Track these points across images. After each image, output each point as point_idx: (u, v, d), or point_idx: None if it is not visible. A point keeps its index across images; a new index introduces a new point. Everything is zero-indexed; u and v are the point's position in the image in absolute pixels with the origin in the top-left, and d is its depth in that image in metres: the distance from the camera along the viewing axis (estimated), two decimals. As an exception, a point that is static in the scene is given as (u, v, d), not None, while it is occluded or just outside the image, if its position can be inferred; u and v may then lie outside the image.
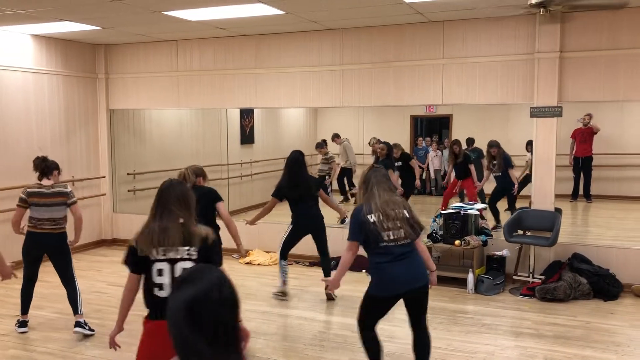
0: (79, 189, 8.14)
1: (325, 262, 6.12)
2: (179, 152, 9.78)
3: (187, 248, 2.95)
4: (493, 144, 8.42)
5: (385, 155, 8.65)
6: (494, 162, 8.39)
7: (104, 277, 7.03)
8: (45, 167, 5.05)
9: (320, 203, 6.12)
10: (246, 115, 11.02)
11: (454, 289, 6.34)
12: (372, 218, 3.66)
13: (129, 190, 9.04)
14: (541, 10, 5.28)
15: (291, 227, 6.06)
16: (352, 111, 11.09)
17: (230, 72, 7.95)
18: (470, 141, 10.11)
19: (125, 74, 8.61)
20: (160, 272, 2.94)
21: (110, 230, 8.97)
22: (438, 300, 5.96)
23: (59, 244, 5.08)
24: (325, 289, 5.80)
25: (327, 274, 6.00)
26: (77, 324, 5.07)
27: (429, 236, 6.74)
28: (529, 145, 8.87)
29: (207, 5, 5.90)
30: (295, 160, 5.97)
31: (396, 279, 3.65)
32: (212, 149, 10.01)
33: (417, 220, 3.80)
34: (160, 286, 2.96)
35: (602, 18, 6.11)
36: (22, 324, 5.18)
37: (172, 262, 2.94)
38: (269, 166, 11.17)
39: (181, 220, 2.99)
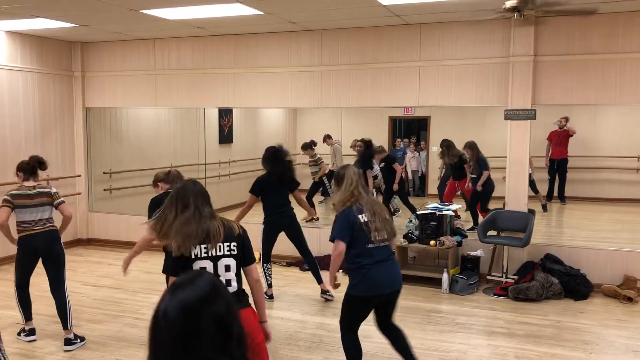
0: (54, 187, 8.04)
1: (312, 265, 6.10)
2: (156, 151, 9.72)
3: (227, 244, 2.94)
4: (466, 145, 8.32)
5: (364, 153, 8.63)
6: (471, 163, 8.41)
7: (78, 277, 6.96)
8: (30, 167, 4.87)
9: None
10: (225, 114, 11.00)
11: (428, 288, 6.41)
12: (363, 218, 3.65)
13: (105, 190, 8.96)
14: (515, 14, 5.38)
15: (264, 227, 6.05)
16: (331, 112, 11.12)
17: (208, 71, 7.93)
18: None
19: (102, 72, 8.53)
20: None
21: (85, 230, 8.88)
22: (412, 300, 6.04)
23: (52, 244, 4.86)
24: (322, 294, 5.99)
25: (319, 279, 6.04)
26: (68, 342, 4.83)
27: (405, 236, 6.82)
28: None
29: (185, 5, 5.89)
30: (274, 155, 5.92)
31: (380, 281, 3.68)
32: (190, 148, 9.98)
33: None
34: None
35: (575, 23, 6.23)
36: (31, 331, 4.95)
37: (215, 259, 2.92)
38: (248, 166, 11.15)
39: (212, 217, 2.98)
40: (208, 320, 1.38)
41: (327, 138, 10.72)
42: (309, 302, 6.03)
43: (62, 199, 4.97)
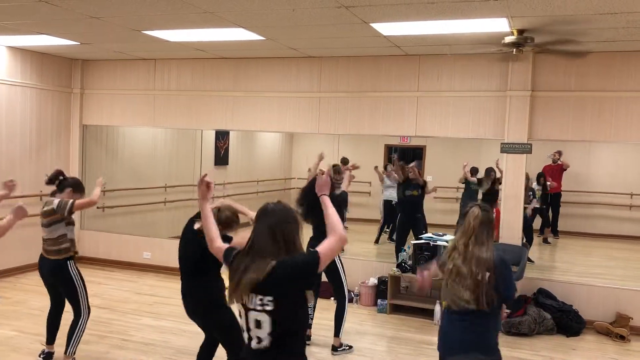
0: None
1: (338, 310, 5.39)
2: (150, 170, 9.70)
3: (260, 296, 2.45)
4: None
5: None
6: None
7: (67, 295, 6.85)
8: (59, 182, 4.74)
9: None
10: (221, 136, 11.01)
11: (420, 319, 6.36)
12: (448, 265, 3.26)
13: (98, 207, 8.89)
14: (514, 50, 5.44)
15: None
16: (327, 138, 11.15)
17: (207, 93, 7.96)
18: (475, 170, 10.03)
19: (101, 89, 8.55)
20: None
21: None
22: (404, 331, 5.98)
23: (53, 273, 4.72)
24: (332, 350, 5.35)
25: (337, 330, 5.34)
26: None
27: (398, 265, 6.80)
28: (541, 177, 9.35)
29: (187, 27, 5.93)
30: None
31: (441, 339, 3.30)
32: (185, 168, 9.95)
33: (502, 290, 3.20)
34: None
35: (572, 60, 6.31)
36: (48, 356, 4.81)
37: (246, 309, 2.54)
38: (243, 188, 11.13)
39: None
40: None
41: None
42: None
43: (70, 205, 4.65)
